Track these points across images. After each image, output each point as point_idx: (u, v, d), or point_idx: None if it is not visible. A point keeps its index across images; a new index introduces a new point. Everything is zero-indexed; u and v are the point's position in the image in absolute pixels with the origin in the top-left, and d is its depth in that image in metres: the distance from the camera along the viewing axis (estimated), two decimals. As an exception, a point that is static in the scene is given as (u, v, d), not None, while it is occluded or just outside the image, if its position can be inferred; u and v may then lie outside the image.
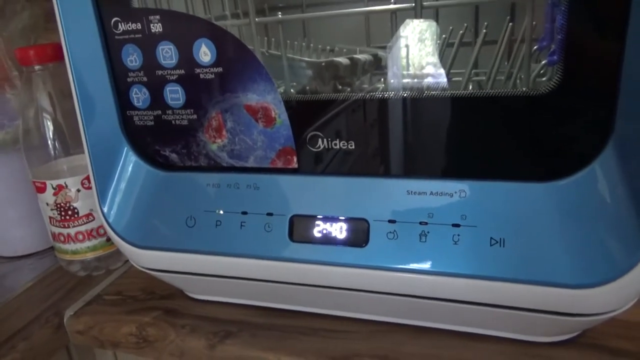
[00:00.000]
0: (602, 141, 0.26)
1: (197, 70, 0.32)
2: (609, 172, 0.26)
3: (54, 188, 0.44)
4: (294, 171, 0.33)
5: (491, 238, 0.28)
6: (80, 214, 0.45)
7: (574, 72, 0.26)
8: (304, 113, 0.31)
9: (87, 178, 0.44)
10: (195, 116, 0.33)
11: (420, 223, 0.29)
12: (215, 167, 0.34)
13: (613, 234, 0.26)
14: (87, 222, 0.45)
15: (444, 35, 0.38)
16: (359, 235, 0.31)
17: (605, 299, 0.27)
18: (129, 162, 0.36)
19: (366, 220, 0.31)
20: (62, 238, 0.45)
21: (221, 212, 0.34)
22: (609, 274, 0.26)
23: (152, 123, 0.35)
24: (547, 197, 0.27)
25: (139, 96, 0.34)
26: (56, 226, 0.45)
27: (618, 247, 0.26)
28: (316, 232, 0.32)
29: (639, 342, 0.32)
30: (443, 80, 0.33)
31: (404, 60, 0.33)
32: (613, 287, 0.26)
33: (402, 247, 0.30)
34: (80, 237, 0.45)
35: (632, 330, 0.32)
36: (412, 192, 0.30)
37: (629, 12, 0.24)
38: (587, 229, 0.26)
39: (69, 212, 0.44)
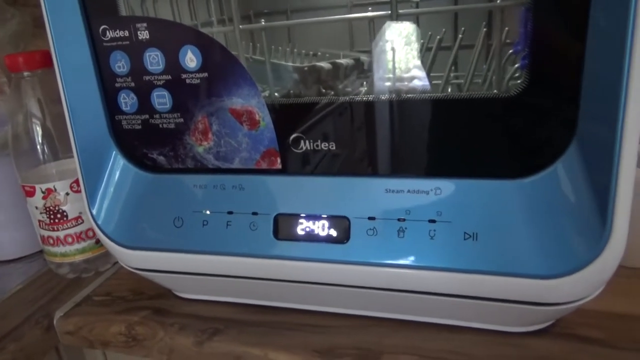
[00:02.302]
0: (566, 140, 0.27)
1: (184, 76, 0.33)
2: (572, 169, 0.27)
3: (43, 192, 0.45)
4: (277, 172, 0.34)
5: (465, 233, 0.30)
6: (69, 217, 0.45)
7: (539, 75, 0.27)
8: (287, 116, 0.33)
9: (76, 182, 0.45)
10: (181, 120, 0.35)
11: (398, 220, 0.31)
12: (202, 168, 0.35)
13: (577, 227, 0.27)
14: (76, 225, 0.46)
15: (422, 40, 0.40)
16: (341, 232, 0.32)
17: (573, 288, 0.29)
18: (118, 165, 0.37)
19: (347, 218, 0.32)
20: (51, 241, 0.46)
21: (208, 212, 0.35)
22: (575, 265, 0.28)
23: (140, 127, 0.36)
24: (516, 194, 0.29)
25: (127, 101, 0.35)
26: (45, 229, 0.46)
27: (582, 239, 0.27)
28: (300, 230, 0.33)
29: (607, 330, 0.33)
30: (422, 82, 0.34)
31: (383, 63, 0.34)
32: (579, 276, 0.28)
33: (382, 242, 0.31)
34: (70, 239, 0.46)
35: (600, 320, 0.34)
36: (390, 190, 0.31)
37: (587, 19, 0.25)
38: (554, 223, 0.28)
39: (58, 216, 0.45)
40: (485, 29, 0.36)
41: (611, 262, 0.27)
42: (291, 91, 0.41)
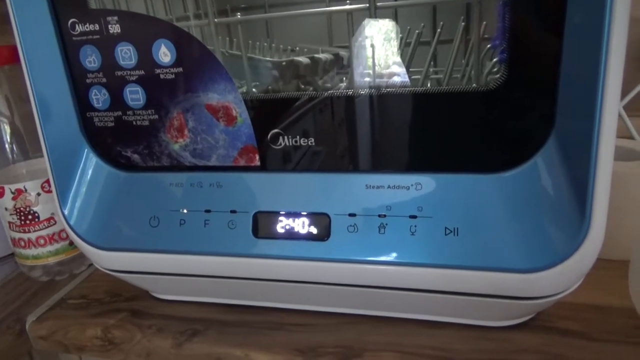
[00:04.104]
0: (544, 134, 0.27)
1: (157, 71, 0.32)
2: (551, 163, 0.27)
3: (12, 192, 0.43)
4: (256, 169, 0.33)
5: (446, 228, 0.29)
6: (41, 218, 0.44)
7: (517, 69, 0.27)
8: (264, 111, 0.32)
9: (47, 181, 0.44)
10: (156, 116, 0.34)
11: (379, 216, 0.31)
12: (178, 166, 0.35)
13: (556, 220, 0.28)
14: (48, 227, 0.44)
15: (401, 35, 0.40)
16: (321, 229, 0.32)
17: (552, 282, 0.29)
18: (90, 163, 0.36)
19: (327, 215, 0.31)
20: (22, 243, 0.44)
21: (185, 211, 0.34)
22: (554, 258, 0.28)
23: (113, 124, 0.35)
24: (496, 188, 0.29)
25: (99, 97, 0.34)
26: (16, 231, 0.44)
27: (561, 232, 0.27)
28: (279, 228, 0.32)
29: (585, 322, 0.34)
30: (402, 79, 0.34)
31: (363, 60, 0.34)
32: (559, 270, 0.28)
33: (362, 239, 0.31)
34: (42, 241, 0.44)
35: (579, 312, 0.34)
36: (370, 186, 0.31)
37: (564, 13, 0.25)
38: (533, 217, 0.28)
39: (29, 217, 0.44)
40: (463, 24, 0.36)
41: (590, 255, 0.27)
42: (269, 87, 0.40)
